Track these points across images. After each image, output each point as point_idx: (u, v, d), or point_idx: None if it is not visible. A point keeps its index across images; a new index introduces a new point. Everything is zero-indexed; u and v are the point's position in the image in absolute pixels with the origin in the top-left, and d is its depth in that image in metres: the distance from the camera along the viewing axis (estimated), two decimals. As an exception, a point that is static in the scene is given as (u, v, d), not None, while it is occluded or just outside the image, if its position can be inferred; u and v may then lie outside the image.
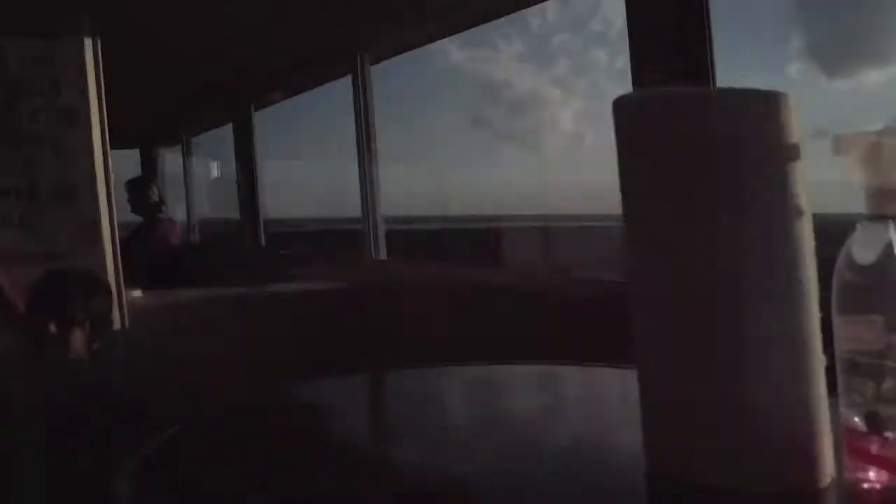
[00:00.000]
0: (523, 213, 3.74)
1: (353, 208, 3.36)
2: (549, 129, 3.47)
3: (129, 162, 6.26)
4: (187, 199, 6.09)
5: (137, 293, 2.78)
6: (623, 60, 1.81)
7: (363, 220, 3.34)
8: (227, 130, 5.42)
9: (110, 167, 2.50)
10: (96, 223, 2.44)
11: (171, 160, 6.63)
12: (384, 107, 3.33)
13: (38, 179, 2.36)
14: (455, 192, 3.92)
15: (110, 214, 2.50)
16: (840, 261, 0.61)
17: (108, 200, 2.49)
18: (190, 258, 5.63)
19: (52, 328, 1.87)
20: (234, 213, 5.98)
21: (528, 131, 3.50)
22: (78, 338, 1.89)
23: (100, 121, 2.46)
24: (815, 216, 0.65)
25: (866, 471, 0.60)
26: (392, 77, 3.47)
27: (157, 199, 4.55)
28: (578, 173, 3.34)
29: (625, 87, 1.85)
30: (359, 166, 3.33)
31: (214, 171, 6.45)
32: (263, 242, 4.75)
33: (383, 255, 3.32)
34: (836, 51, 2.25)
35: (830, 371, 0.63)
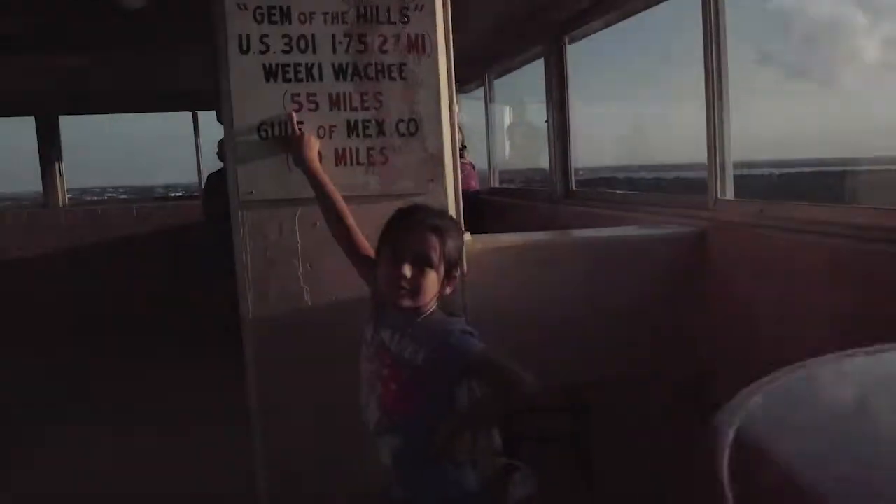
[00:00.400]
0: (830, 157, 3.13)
1: (652, 154, 2.90)
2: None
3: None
4: (488, 144, 6.01)
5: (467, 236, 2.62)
6: None
7: (709, 161, 2.89)
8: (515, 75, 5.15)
9: (454, 99, 2.32)
10: (440, 160, 2.29)
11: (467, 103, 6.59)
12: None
13: (387, 113, 2.24)
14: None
15: (452, 151, 2.34)
16: None
17: (451, 135, 2.32)
18: (485, 203, 5.53)
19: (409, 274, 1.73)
20: (533, 161, 5.77)
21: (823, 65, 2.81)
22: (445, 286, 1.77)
23: (446, 49, 2.28)
24: None
25: None
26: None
27: (460, 143, 4.45)
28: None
29: None
30: (706, 103, 2.88)
31: (508, 116, 6.30)
32: (573, 186, 4.47)
33: (730, 196, 2.87)
34: None
35: None
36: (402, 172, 2.28)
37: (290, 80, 2.19)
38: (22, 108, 7.17)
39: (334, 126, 2.23)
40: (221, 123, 2.37)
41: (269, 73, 2.18)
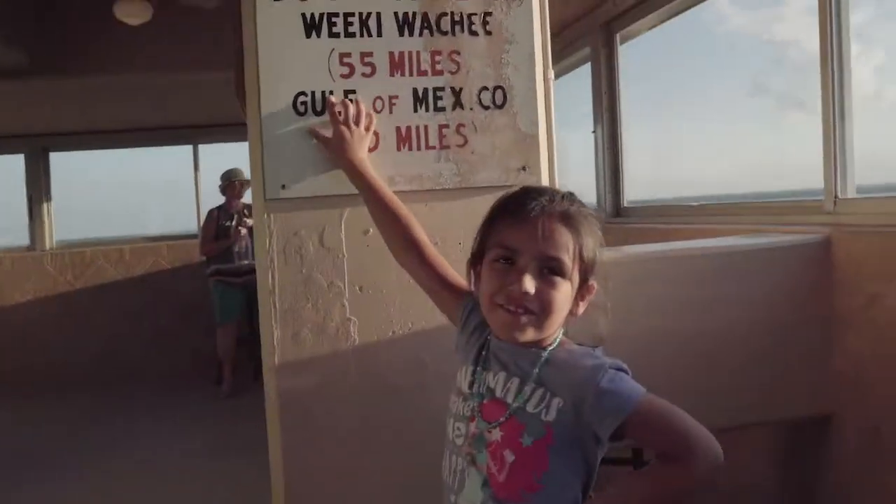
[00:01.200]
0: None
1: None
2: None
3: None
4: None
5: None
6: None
7: (825, 154, 2.34)
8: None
9: (549, 61, 1.76)
10: (534, 141, 1.72)
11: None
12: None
13: (466, 78, 1.67)
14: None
15: (549, 129, 1.76)
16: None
17: (547, 109, 1.75)
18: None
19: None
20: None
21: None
22: None
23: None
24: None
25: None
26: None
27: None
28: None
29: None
30: (822, 82, 2.33)
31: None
32: (625, 203, 3.92)
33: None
34: None
35: None
36: (485, 159, 1.70)
37: (337, 35, 1.62)
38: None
39: (396, 97, 1.65)
40: (239, 103, 1.79)
41: (311, 26, 1.61)
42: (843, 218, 2.29)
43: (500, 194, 1.29)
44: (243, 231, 5.66)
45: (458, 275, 1.43)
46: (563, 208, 1.21)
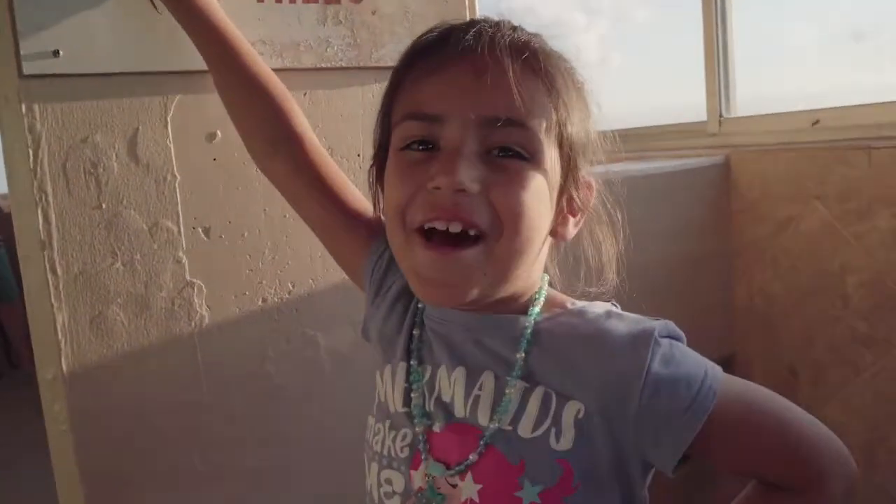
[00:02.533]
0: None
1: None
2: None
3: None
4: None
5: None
6: None
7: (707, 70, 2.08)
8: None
9: None
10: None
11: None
12: None
13: None
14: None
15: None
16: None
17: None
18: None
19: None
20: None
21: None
22: None
23: None
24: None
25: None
26: None
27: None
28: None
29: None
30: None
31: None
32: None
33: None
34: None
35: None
36: (393, 23, 1.10)
37: None
38: None
39: None
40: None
41: None
42: (731, 139, 2.03)
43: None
44: None
45: (364, 199, 0.85)
46: (521, 38, 0.67)
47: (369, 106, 1.09)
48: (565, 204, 0.71)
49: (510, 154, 0.65)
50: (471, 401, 0.68)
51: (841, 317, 1.75)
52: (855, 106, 1.76)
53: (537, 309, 0.70)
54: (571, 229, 0.73)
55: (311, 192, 0.85)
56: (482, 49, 0.64)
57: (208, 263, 1.01)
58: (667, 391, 0.64)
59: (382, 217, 0.76)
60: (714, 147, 2.01)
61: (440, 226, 0.64)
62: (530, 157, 0.65)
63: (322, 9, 1.04)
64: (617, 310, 0.71)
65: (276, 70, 0.97)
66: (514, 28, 0.68)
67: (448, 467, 0.68)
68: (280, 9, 1.02)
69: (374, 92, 1.10)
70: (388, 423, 0.74)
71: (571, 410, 0.66)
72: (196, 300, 1.00)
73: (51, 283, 0.91)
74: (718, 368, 0.67)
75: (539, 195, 0.66)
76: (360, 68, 1.08)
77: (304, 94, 1.06)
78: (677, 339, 0.68)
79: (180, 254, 0.99)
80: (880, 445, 1.71)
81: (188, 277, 0.99)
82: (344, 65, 1.07)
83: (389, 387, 0.74)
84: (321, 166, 0.86)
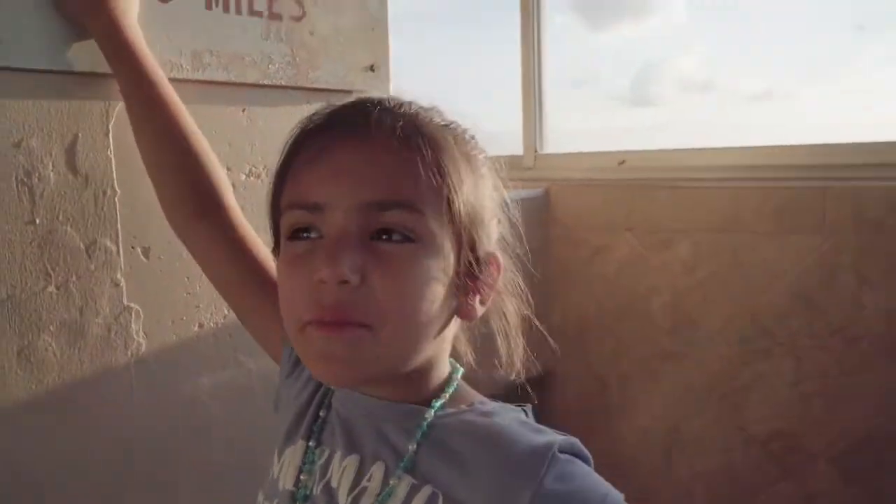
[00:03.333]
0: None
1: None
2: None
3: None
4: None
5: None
6: None
7: (524, 107, 2.31)
8: None
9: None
10: (385, 29, 1.18)
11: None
12: None
13: None
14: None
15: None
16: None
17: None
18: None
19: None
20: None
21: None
22: None
23: None
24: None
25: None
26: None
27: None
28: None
29: None
30: (522, 37, 2.28)
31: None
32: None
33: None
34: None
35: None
36: (327, 45, 1.10)
37: None
38: None
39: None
40: None
41: None
42: (545, 173, 2.24)
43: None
44: None
45: None
46: (407, 116, 0.65)
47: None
48: (468, 282, 0.66)
49: (396, 238, 0.61)
50: (356, 491, 0.65)
51: (646, 334, 2.00)
52: (656, 150, 2.05)
53: (440, 403, 0.67)
54: (478, 307, 0.69)
55: (234, 263, 0.82)
56: (365, 131, 0.63)
57: (146, 286, 0.92)
58: None
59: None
60: (534, 179, 2.20)
61: (325, 319, 0.61)
62: (417, 240, 0.61)
63: (266, 23, 1.01)
64: (526, 418, 0.68)
65: (219, 84, 0.94)
66: (400, 105, 0.66)
67: None
68: (227, 19, 0.97)
69: (305, 113, 1.08)
70: (275, 502, 0.71)
71: None
72: (133, 326, 0.91)
73: (-26, 308, 0.78)
74: (620, 496, 0.63)
75: (427, 279, 0.62)
76: (296, 88, 1.06)
77: (243, 111, 1.02)
78: (582, 457, 0.64)
79: (118, 276, 0.89)
80: (676, 444, 1.99)
81: (125, 302, 0.90)
82: (283, 83, 1.04)
83: (286, 465, 0.72)
84: (247, 238, 0.83)
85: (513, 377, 0.73)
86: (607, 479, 0.63)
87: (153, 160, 0.85)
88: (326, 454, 0.68)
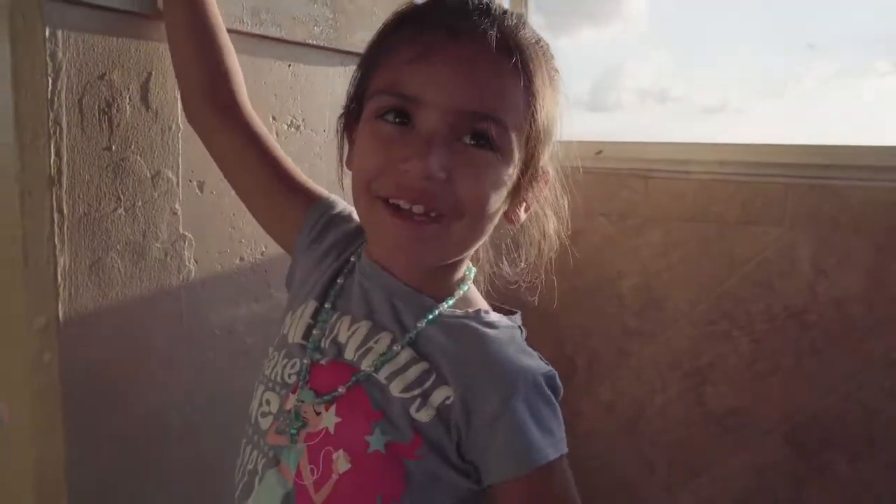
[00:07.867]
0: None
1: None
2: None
3: None
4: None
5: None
6: None
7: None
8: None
9: None
10: None
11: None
12: None
13: None
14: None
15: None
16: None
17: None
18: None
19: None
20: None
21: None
22: None
23: None
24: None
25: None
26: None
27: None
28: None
29: None
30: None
31: None
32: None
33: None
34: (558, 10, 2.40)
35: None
36: (363, 12, 1.19)
37: None
38: None
39: None
40: None
41: None
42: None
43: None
44: None
45: (302, 175, 0.92)
46: (508, 29, 0.69)
47: (338, 87, 1.17)
48: (521, 190, 0.75)
49: (480, 144, 0.68)
50: (363, 350, 0.72)
51: (615, 313, 2.14)
52: (632, 142, 2.19)
53: (452, 301, 0.75)
54: (522, 215, 0.79)
55: (250, 152, 0.89)
56: (469, 38, 0.67)
57: (199, 218, 1.01)
58: (517, 431, 0.68)
59: (346, 165, 0.79)
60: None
61: (404, 204, 0.67)
62: (499, 150, 0.68)
63: (311, -20, 1.11)
64: (515, 329, 0.77)
65: (269, 38, 1.03)
66: (504, 12, 0.70)
67: (318, 396, 0.71)
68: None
69: (341, 74, 1.18)
70: (283, 352, 0.78)
71: (442, 394, 0.70)
72: (186, 253, 0.99)
73: (56, 223, 0.85)
74: (565, 447, 0.72)
75: (500, 187, 0.70)
76: (336, 50, 1.16)
77: (289, 66, 1.11)
78: (555, 389, 0.74)
79: (176, 205, 0.98)
80: (640, 418, 2.13)
81: (181, 230, 0.99)
82: (325, 45, 1.14)
83: (296, 322, 0.78)
84: (262, 134, 0.91)
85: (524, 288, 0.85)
86: (571, 450, 0.73)
87: (182, 49, 0.90)
88: (336, 316, 0.76)
